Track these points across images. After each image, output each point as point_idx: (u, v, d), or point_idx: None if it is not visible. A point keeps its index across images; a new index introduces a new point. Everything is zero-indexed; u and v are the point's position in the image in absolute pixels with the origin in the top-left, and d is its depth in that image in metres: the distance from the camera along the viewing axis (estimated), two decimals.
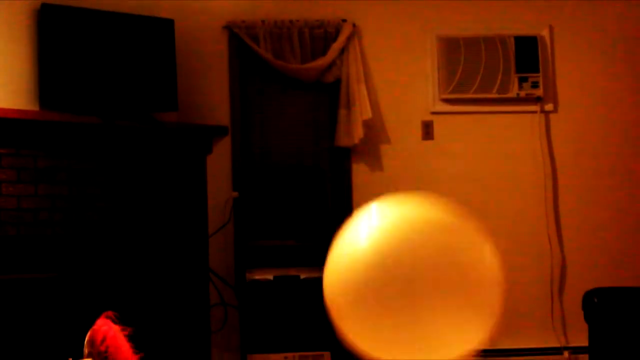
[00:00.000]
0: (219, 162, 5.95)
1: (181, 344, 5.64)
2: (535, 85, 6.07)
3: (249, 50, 5.94)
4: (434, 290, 2.87)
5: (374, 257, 2.80)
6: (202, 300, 5.77)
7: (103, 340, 4.23)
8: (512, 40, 6.03)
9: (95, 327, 4.30)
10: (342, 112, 5.91)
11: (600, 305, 4.72)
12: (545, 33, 6.13)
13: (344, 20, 5.97)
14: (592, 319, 4.81)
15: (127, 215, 5.49)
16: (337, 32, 5.96)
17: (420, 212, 2.99)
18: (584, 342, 5.29)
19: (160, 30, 5.56)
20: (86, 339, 4.31)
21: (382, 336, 2.98)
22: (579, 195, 6.12)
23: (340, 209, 5.82)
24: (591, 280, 5.61)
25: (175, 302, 5.62)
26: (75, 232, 5.27)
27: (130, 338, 4.33)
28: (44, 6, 5.22)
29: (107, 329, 4.26)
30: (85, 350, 4.29)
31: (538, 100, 6.12)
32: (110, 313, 4.33)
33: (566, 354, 5.98)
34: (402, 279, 2.81)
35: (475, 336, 3.16)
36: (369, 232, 2.88)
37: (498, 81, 6.06)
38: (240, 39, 5.94)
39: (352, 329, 3.11)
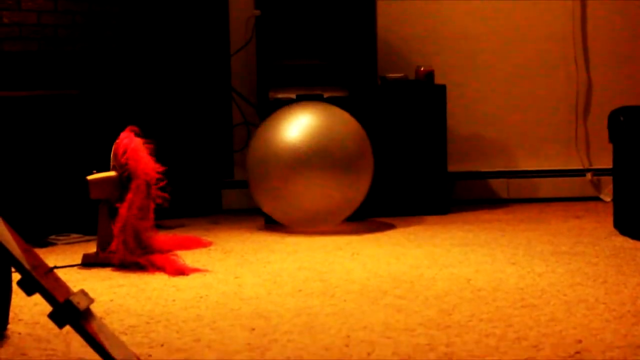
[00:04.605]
0: None
1: (204, 161, 5.67)
2: None
3: None
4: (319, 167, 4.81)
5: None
6: (225, 119, 5.77)
7: (124, 153, 4.26)
8: None
9: (118, 140, 4.32)
10: None
11: (627, 124, 4.67)
12: None
13: None
14: (617, 138, 4.77)
15: (147, 33, 5.43)
16: None
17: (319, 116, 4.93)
18: (606, 164, 5.28)
19: None
20: (112, 152, 4.35)
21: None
22: (607, 15, 5.99)
23: (364, 28, 5.72)
24: (617, 101, 5.54)
25: (198, 120, 5.63)
26: (95, 49, 5.23)
27: (154, 153, 4.36)
28: None
29: (128, 142, 4.28)
30: (111, 163, 4.33)
31: None
32: (134, 127, 4.35)
33: (589, 175, 5.98)
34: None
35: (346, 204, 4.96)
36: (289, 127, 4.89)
37: None
38: None
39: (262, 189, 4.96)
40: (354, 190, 4.95)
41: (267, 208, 5.03)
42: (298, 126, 4.88)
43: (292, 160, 4.82)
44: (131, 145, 4.24)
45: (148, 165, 4.23)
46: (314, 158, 4.82)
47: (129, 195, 4.19)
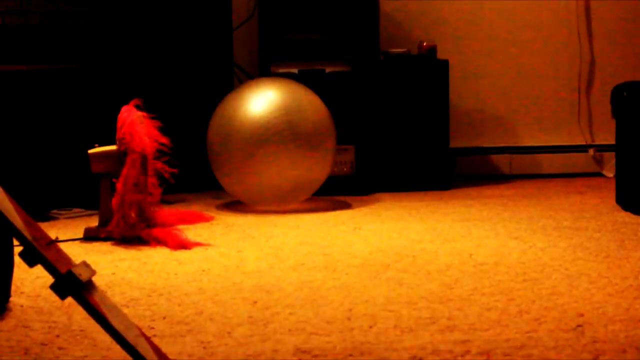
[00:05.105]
0: None
1: (206, 136, 5.66)
2: None
3: None
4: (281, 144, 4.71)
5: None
6: (227, 94, 5.76)
7: (122, 127, 4.25)
8: None
9: (120, 113, 4.32)
10: None
11: (630, 99, 4.66)
12: None
13: None
14: (620, 114, 4.77)
15: (149, 7, 5.41)
16: None
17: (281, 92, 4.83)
18: (609, 140, 5.26)
19: None
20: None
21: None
22: None
23: (367, 2, 5.70)
24: (620, 77, 5.52)
25: (200, 95, 5.61)
26: (97, 23, 5.21)
27: (158, 126, 4.35)
28: None
29: (126, 116, 4.27)
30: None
31: None
32: (136, 101, 4.34)
33: (591, 151, 5.97)
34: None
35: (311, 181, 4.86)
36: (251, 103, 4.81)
37: None
38: None
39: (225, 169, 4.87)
40: (318, 167, 4.87)
41: (229, 187, 4.97)
42: (261, 102, 4.80)
43: (254, 136, 4.74)
44: (128, 119, 4.22)
45: (144, 139, 4.21)
46: (277, 134, 4.73)
47: (125, 170, 4.18)
